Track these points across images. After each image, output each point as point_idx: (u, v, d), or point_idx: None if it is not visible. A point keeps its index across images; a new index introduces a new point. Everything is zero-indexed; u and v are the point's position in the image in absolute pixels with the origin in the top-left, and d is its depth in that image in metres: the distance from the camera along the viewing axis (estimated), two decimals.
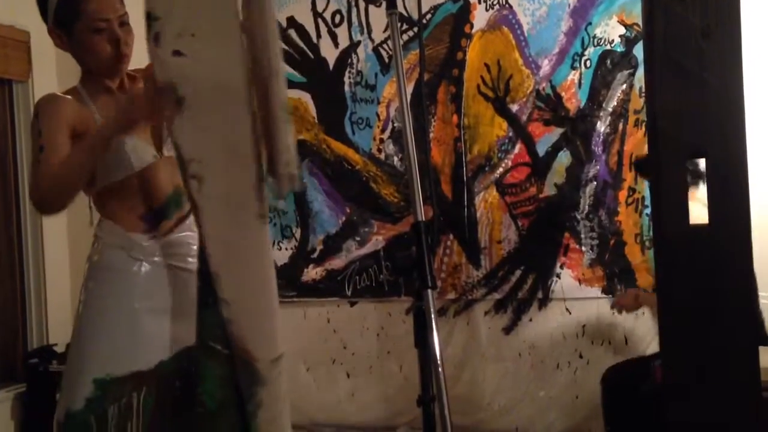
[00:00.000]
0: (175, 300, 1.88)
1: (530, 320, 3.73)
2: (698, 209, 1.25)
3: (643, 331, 3.50)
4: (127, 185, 1.88)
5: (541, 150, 3.70)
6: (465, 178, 3.77)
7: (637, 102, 3.61)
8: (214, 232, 1.50)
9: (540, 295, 3.71)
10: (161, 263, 1.89)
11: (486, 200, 3.77)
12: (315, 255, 3.96)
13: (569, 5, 3.64)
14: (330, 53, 3.90)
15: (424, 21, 3.76)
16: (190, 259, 1.90)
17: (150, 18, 1.48)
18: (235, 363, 1.55)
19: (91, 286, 1.89)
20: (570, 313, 3.69)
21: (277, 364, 1.55)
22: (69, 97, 1.89)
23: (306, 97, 3.92)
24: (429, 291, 1.33)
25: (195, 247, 1.86)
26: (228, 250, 1.52)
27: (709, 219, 1.23)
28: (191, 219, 1.90)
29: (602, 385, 2.70)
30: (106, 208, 1.93)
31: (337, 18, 3.89)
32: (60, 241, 3.87)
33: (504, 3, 3.70)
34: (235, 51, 1.56)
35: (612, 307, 2.94)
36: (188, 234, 1.92)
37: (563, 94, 3.67)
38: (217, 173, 1.51)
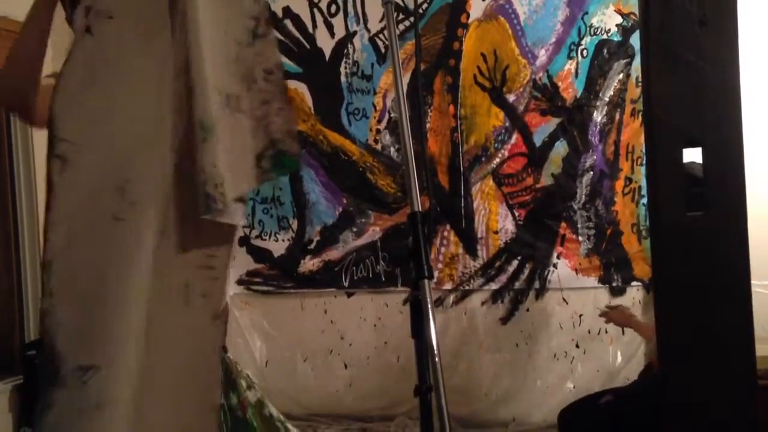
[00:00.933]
0: None
1: (527, 310, 3.74)
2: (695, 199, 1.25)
3: None
4: None
5: (538, 140, 3.70)
6: (462, 169, 3.77)
7: (634, 91, 3.60)
8: (60, 219, 1.42)
9: (537, 285, 3.72)
10: None
11: (483, 190, 3.77)
12: (312, 246, 3.96)
13: None
14: (326, 43, 3.89)
15: (421, 11, 3.74)
16: None
17: None
18: (39, 355, 1.45)
19: None
20: (567, 303, 3.70)
21: (83, 373, 1.41)
22: None
23: (302, 88, 3.91)
24: (425, 281, 1.33)
25: None
26: (69, 243, 1.42)
27: (706, 208, 1.23)
28: None
29: (559, 424, 2.75)
30: None
31: (333, 8, 3.87)
32: None
33: None
34: (152, 50, 1.50)
35: (600, 315, 2.96)
36: None
37: (560, 83, 3.67)
38: (84, 163, 1.43)
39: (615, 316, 2.86)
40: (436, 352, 1.26)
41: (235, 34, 1.57)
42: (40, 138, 4.04)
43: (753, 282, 1.34)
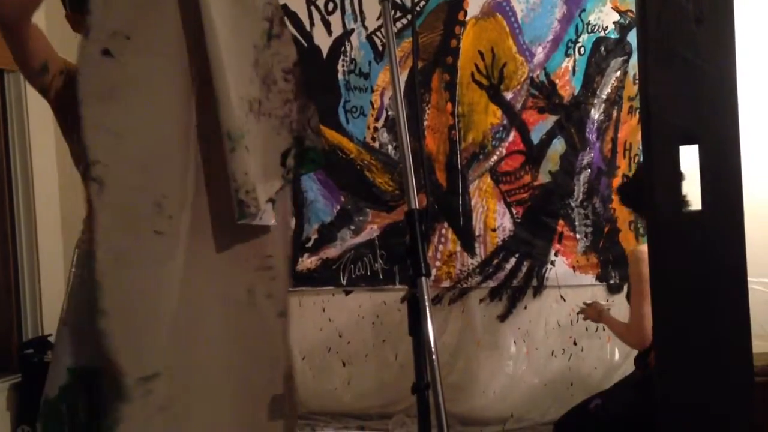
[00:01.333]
0: None
1: (525, 308, 3.74)
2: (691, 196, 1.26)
3: None
4: None
5: (536, 138, 3.70)
6: (459, 166, 3.77)
7: (631, 89, 3.61)
8: (105, 239, 1.46)
9: (534, 282, 3.73)
10: None
11: (480, 188, 3.77)
12: (310, 244, 3.95)
13: None
14: (323, 41, 3.89)
15: (418, 8, 3.74)
16: None
17: (87, 12, 1.44)
18: (100, 375, 1.50)
19: (75, 274, 1.88)
20: (564, 301, 3.71)
21: (145, 383, 1.48)
22: None
23: None
24: (423, 278, 1.33)
25: None
26: (116, 261, 1.47)
27: (702, 205, 1.23)
28: None
29: None
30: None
31: (330, 6, 3.87)
32: (54, 231, 3.86)
33: None
34: (172, 64, 1.52)
35: (579, 312, 2.97)
36: None
37: (557, 81, 3.67)
38: (119, 182, 1.47)
39: (589, 312, 2.88)
40: (433, 349, 1.26)
41: (253, 39, 1.60)
42: (37, 135, 4.03)
43: (750, 279, 1.34)
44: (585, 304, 2.99)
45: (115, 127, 1.47)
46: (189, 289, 1.57)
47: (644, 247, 2.66)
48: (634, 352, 2.78)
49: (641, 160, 3.58)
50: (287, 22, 1.76)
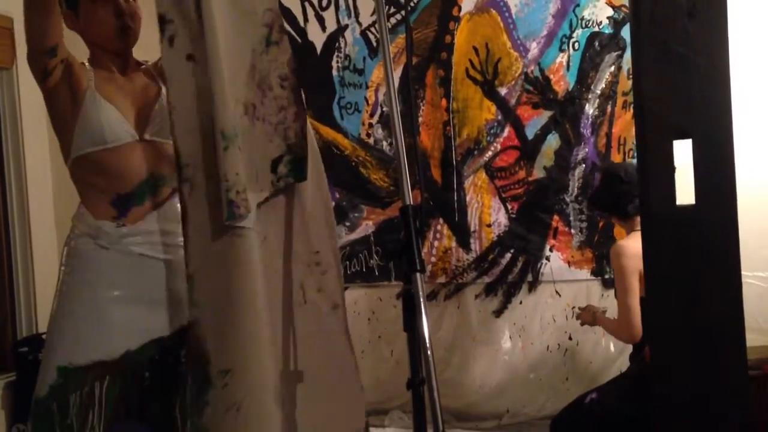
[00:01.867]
0: (145, 289, 1.83)
1: (520, 303, 3.75)
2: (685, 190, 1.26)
3: None
4: (99, 162, 1.83)
5: (530, 133, 3.70)
6: (454, 162, 3.77)
7: (626, 84, 3.61)
8: (196, 237, 1.56)
9: (530, 277, 3.73)
10: (130, 252, 1.84)
11: (475, 184, 3.77)
12: None
13: None
14: (317, 37, 3.88)
15: (412, 4, 3.73)
16: (160, 248, 1.85)
17: (163, 21, 1.51)
18: (189, 362, 1.61)
19: (64, 273, 1.87)
20: (560, 296, 3.71)
21: (224, 376, 1.57)
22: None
23: None
24: (417, 274, 1.33)
25: (169, 237, 1.84)
26: (206, 256, 1.57)
27: (696, 200, 1.23)
28: (167, 208, 1.88)
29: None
30: (80, 187, 1.89)
31: (324, 1, 3.86)
32: (48, 230, 3.85)
33: None
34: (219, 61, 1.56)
35: (576, 318, 2.99)
36: (161, 222, 1.87)
37: (552, 76, 3.67)
38: (203, 182, 1.56)
39: (585, 317, 2.89)
40: (428, 345, 1.26)
41: (251, 43, 1.63)
42: (30, 133, 4.02)
43: (744, 273, 1.35)
44: (579, 309, 3.01)
45: (200, 129, 1.56)
46: (270, 289, 1.66)
47: (624, 242, 2.69)
48: (630, 347, 2.79)
49: (626, 158, 3.59)
50: (287, 29, 1.81)
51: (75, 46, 1.91)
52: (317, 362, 1.77)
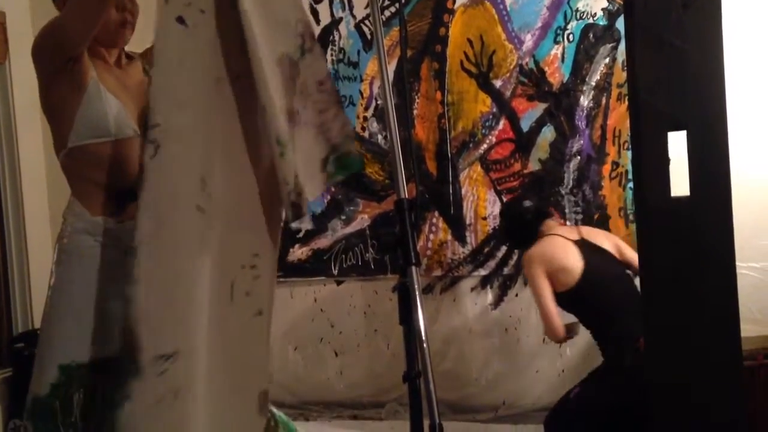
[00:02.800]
0: None
1: (516, 295, 3.75)
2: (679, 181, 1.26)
3: None
4: (99, 155, 1.82)
5: (525, 125, 3.70)
6: (449, 155, 3.76)
7: (620, 76, 3.61)
8: (149, 204, 1.46)
9: None
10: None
11: (471, 177, 3.77)
12: (301, 235, 3.95)
13: None
14: None
15: None
16: None
17: None
18: (119, 346, 1.48)
19: (59, 270, 1.85)
20: None
21: (161, 362, 1.45)
22: None
23: None
24: (413, 268, 1.33)
25: None
26: (157, 228, 1.46)
27: (690, 191, 1.24)
28: None
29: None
30: (73, 180, 1.88)
31: None
32: (42, 225, 3.84)
33: None
34: (230, 46, 1.55)
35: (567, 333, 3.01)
36: None
37: (546, 68, 3.66)
38: (172, 149, 1.48)
39: (574, 328, 2.92)
40: (424, 338, 1.26)
41: (288, 53, 1.64)
42: (24, 127, 3.99)
43: (738, 264, 1.35)
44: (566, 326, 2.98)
45: (176, 91, 1.49)
46: (212, 279, 1.57)
47: (533, 250, 2.79)
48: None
49: (621, 150, 3.59)
50: (316, 36, 1.83)
51: None
52: (230, 365, 1.67)
